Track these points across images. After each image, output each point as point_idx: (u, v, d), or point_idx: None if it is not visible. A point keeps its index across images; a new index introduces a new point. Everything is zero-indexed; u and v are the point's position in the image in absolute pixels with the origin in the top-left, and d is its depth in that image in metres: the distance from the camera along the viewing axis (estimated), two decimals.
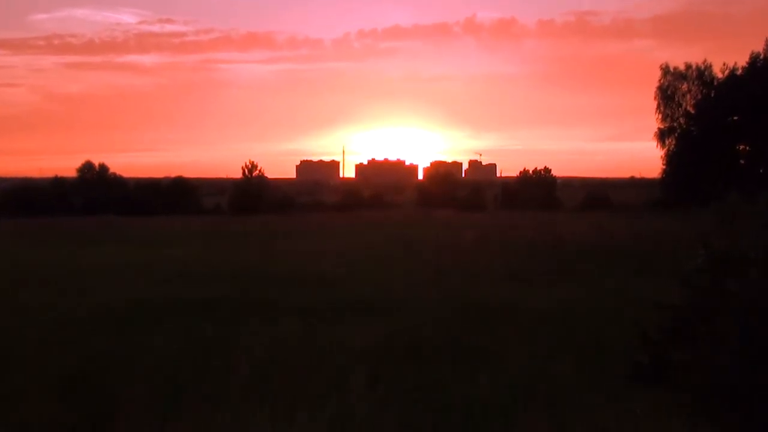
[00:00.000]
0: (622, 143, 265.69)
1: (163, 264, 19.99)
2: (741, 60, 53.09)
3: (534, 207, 51.00)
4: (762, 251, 4.84)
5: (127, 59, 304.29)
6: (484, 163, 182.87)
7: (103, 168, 69.35)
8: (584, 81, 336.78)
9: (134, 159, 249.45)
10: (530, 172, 66.39)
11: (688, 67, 54.93)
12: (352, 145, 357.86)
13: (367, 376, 7.38)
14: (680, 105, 55.15)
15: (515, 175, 71.03)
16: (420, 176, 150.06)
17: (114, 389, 7.15)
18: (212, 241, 29.02)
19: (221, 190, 74.54)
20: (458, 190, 68.86)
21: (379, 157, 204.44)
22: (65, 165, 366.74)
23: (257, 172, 63.52)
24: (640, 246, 22.26)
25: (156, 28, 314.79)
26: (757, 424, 4.69)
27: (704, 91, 54.01)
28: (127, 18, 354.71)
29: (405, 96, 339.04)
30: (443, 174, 77.71)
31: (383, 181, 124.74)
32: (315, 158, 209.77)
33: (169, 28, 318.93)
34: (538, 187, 62.42)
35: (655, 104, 55.75)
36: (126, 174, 74.13)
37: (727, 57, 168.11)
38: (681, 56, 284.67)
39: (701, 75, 54.39)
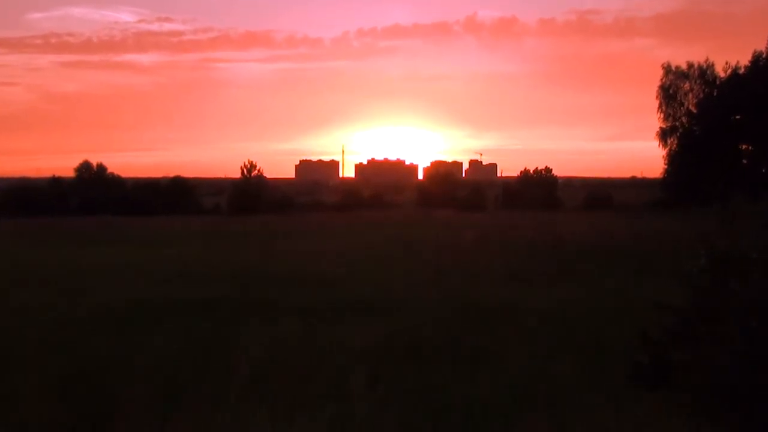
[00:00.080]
0: (623, 143, 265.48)
1: (162, 264, 19.99)
2: (743, 59, 53.20)
3: (535, 207, 50.91)
4: (763, 251, 4.84)
5: (125, 58, 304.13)
6: (484, 163, 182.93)
7: (101, 168, 69.39)
8: (586, 80, 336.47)
9: (132, 159, 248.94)
10: (531, 171, 66.38)
11: (690, 66, 54.82)
12: (352, 144, 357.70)
13: (367, 376, 7.37)
14: (682, 104, 55.02)
15: (516, 175, 71.16)
16: (420, 176, 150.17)
17: (114, 389, 7.15)
18: (212, 241, 29.03)
19: (220, 190, 74.47)
20: (458, 190, 68.85)
21: (379, 157, 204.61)
22: (63, 165, 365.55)
23: (256, 171, 63.47)
24: (641, 246, 22.26)
25: (154, 26, 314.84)
26: (758, 424, 4.69)
27: (706, 90, 53.86)
28: (126, 17, 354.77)
29: (405, 95, 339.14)
30: (443, 174, 77.76)
31: (383, 181, 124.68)
32: (314, 158, 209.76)
33: (167, 26, 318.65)
34: (539, 187, 62.36)
35: (656, 103, 55.69)
36: (124, 174, 74.26)
37: (729, 56, 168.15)
38: (683, 55, 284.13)
39: (703, 74, 54.26)
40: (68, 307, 12.78)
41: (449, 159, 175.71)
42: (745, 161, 51.01)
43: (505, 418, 6.19)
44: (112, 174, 69.91)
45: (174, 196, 59.78)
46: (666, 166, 54.58)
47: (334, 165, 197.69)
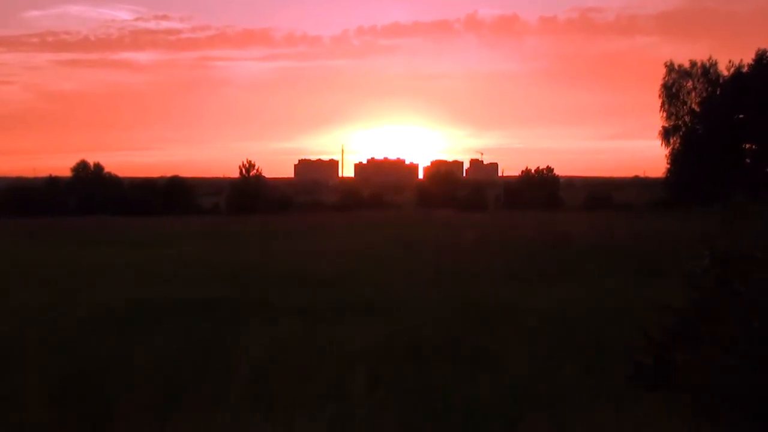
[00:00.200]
0: (625, 142, 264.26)
1: (162, 264, 20.00)
2: (747, 57, 52.98)
3: (536, 207, 50.83)
4: (766, 251, 4.83)
5: (122, 56, 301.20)
6: (485, 163, 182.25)
7: (98, 167, 69.39)
8: (587, 78, 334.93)
9: (130, 158, 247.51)
10: (532, 171, 66.35)
11: (693, 64, 54.70)
12: (352, 144, 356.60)
13: (367, 377, 7.37)
14: (685, 103, 54.89)
15: (517, 175, 71.08)
16: (420, 176, 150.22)
17: (114, 389, 7.15)
18: (211, 241, 29.04)
19: (218, 190, 74.28)
20: (459, 190, 68.86)
21: (379, 157, 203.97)
22: (60, 164, 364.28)
23: (255, 171, 63.12)
24: (641, 246, 22.26)
25: (152, 24, 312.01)
26: (761, 426, 4.68)
27: (709, 88, 53.74)
28: (123, 15, 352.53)
29: (405, 94, 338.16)
30: (444, 173, 77.72)
31: (383, 180, 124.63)
32: (313, 157, 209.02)
33: (164, 24, 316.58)
34: (540, 187, 62.31)
35: (659, 102, 55.59)
36: (121, 173, 74.18)
37: (732, 54, 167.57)
38: (686, 53, 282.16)
39: (706, 72, 54.13)
40: (68, 307, 12.78)
41: (450, 158, 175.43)
42: (748, 160, 50.88)
43: (505, 418, 6.18)
44: (109, 173, 70.00)
45: (172, 196, 59.69)
46: (669, 166, 54.51)
47: (333, 164, 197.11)
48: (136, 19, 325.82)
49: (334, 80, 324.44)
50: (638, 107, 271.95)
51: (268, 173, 69.99)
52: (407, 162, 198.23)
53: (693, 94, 54.73)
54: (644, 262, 17.91)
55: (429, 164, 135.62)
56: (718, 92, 52.62)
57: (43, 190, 62.14)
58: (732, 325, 4.75)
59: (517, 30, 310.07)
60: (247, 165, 62.79)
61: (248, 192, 59.48)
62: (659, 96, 55.51)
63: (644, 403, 5.96)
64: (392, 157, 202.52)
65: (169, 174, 68.05)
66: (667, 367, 5.02)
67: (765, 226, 5.96)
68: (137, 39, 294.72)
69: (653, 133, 63.60)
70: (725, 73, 53.23)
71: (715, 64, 54.03)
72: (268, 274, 16.93)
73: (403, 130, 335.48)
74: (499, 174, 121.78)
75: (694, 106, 54.40)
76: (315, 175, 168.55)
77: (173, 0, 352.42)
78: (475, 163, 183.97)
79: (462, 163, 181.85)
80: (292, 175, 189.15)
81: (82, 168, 68.93)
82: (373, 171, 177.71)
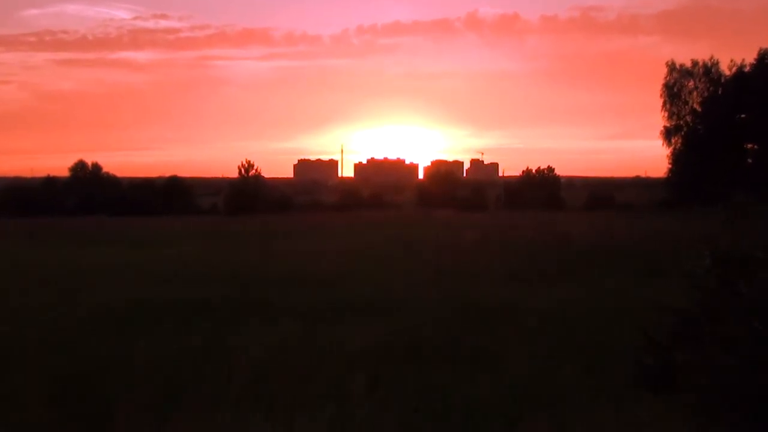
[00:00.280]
0: (627, 142, 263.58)
1: (162, 264, 20.00)
2: (749, 56, 52.78)
3: (537, 207, 50.77)
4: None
5: (120, 56, 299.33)
6: (485, 163, 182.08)
7: (96, 167, 69.28)
8: (588, 78, 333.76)
9: (128, 158, 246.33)
10: (533, 171, 66.25)
11: (695, 63, 54.45)
12: (351, 143, 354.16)
13: (367, 377, 7.37)
14: (687, 103, 54.69)
15: (518, 175, 70.91)
16: (420, 176, 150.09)
17: (114, 389, 7.15)
18: (211, 241, 29.04)
19: (217, 190, 74.00)
20: (459, 190, 68.79)
21: (379, 156, 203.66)
22: (57, 164, 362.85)
23: (254, 171, 62.88)
24: (641, 246, 22.26)
25: (150, 24, 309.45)
26: (761, 426, 4.68)
27: (711, 88, 53.52)
28: (121, 14, 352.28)
29: (405, 93, 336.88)
30: (444, 173, 77.57)
31: (383, 180, 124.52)
32: (313, 157, 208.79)
33: (163, 24, 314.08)
34: (541, 187, 62.21)
35: (661, 102, 55.36)
36: (119, 173, 74.08)
37: (734, 53, 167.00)
38: (688, 52, 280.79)
39: (708, 72, 53.91)
40: (68, 307, 12.78)
41: (450, 158, 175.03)
42: (750, 160, 50.73)
43: (505, 419, 6.18)
44: (107, 173, 69.89)
45: (170, 197, 59.60)
46: (670, 166, 54.30)
47: (333, 164, 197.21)
48: (135, 18, 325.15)
49: (333, 80, 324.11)
50: (639, 107, 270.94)
51: (267, 173, 69.99)
52: (407, 162, 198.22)
53: (695, 93, 54.55)
54: (644, 262, 17.91)
55: (429, 164, 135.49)
56: (719, 92, 52.42)
57: (40, 190, 62.03)
58: (734, 325, 4.74)
59: (518, 29, 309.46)
60: (246, 165, 62.66)
61: (247, 192, 59.30)
62: (661, 96, 55.37)
63: (644, 403, 5.96)
64: (392, 157, 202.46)
65: (168, 174, 68.17)
66: (669, 369, 5.01)
67: (766, 226, 5.95)
68: (136, 38, 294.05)
69: (654, 133, 63.63)
70: (727, 72, 53.06)
71: (717, 63, 53.87)
72: (268, 274, 16.93)
73: (403, 129, 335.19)
74: (500, 174, 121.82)
75: (695, 105, 54.21)
76: (314, 175, 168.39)
77: None
78: (475, 163, 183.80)
79: (462, 163, 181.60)
80: (292, 175, 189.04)
81: (80, 168, 68.86)
82: (372, 171, 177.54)
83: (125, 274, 17.66)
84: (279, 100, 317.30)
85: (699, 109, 53.57)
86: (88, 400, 6.88)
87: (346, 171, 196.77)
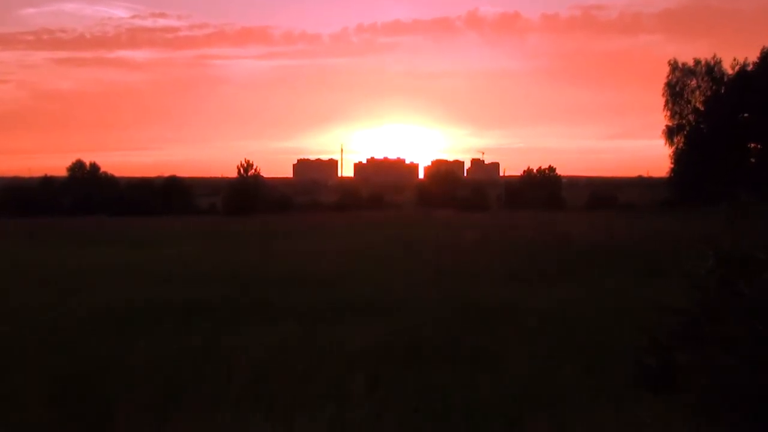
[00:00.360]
0: (629, 141, 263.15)
1: (162, 264, 20.00)
2: (752, 55, 52.60)
3: (538, 207, 50.64)
4: None
5: (118, 55, 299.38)
6: (486, 162, 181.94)
7: (94, 167, 69.15)
8: (590, 77, 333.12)
9: (127, 158, 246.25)
10: (534, 171, 66.14)
11: (697, 62, 54.09)
12: (351, 143, 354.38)
13: (367, 377, 7.37)
14: (689, 102, 54.40)
15: (519, 174, 70.72)
16: (421, 175, 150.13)
17: (113, 389, 7.15)
18: (210, 241, 29.04)
19: (216, 190, 73.78)
20: (460, 190, 68.72)
21: (379, 156, 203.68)
22: (55, 164, 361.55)
23: (253, 171, 62.39)
24: (642, 246, 22.26)
25: (149, 22, 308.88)
26: (761, 426, 4.68)
27: (714, 87, 53.18)
28: (119, 12, 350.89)
29: (405, 93, 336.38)
30: (444, 173, 77.49)
31: (383, 180, 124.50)
32: (312, 157, 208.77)
33: (162, 22, 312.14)
34: (542, 187, 62.09)
35: (663, 101, 55.08)
36: (118, 173, 73.94)
37: (737, 52, 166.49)
38: (690, 51, 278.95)
39: (711, 71, 53.59)
40: (68, 307, 12.78)
41: (450, 158, 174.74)
42: (753, 160, 50.53)
43: (505, 419, 6.18)
44: (105, 173, 69.74)
45: (169, 197, 59.49)
46: (672, 165, 54.03)
47: (332, 164, 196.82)
48: (133, 17, 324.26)
49: (333, 79, 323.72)
50: (641, 106, 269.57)
51: (266, 173, 69.55)
52: (407, 161, 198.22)
53: (697, 92, 54.22)
54: (644, 262, 17.91)
55: (429, 164, 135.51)
56: (722, 91, 52.13)
57: (38, 190, 61.90)
58: (735, 326, 4.74)
59: (519, 28, 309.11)
60: (245, 165, 62.31)
61: (246, 192, 59.05)
62: (663, 95, 55.06)
63: (644, 403, 5.95)
64: (392, 156, 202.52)
65: (167, 174, 68.08)
66: (670, 369, 5.01)
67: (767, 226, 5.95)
68: (134, 37, 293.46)
69: (656, 133, 63.37)
70: (730, 71, 52.74)
71: (720, 62, 53.51)
72: (267, 275, 16.93)
73: (403, 129, 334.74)
74: (501, 174, 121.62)
75: (698, 105, 53.90)
76: (314, 174, 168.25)
77: None
78: (476, 162, 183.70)
79: (463, 162, 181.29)
80: (291, 175, 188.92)
81: (77, 168, 68.72)
82: (372, 171, 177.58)
83: (125, 274, 17.66)
84: (278, 99, 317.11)
85: (701, 108, 53.28)
86: (88, 400, 6.88)
87: (346, 171, 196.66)
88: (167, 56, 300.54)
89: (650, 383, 5.22)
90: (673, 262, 13.20)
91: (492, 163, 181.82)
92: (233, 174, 63.53)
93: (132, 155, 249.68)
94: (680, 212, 39.87)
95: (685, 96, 54.45)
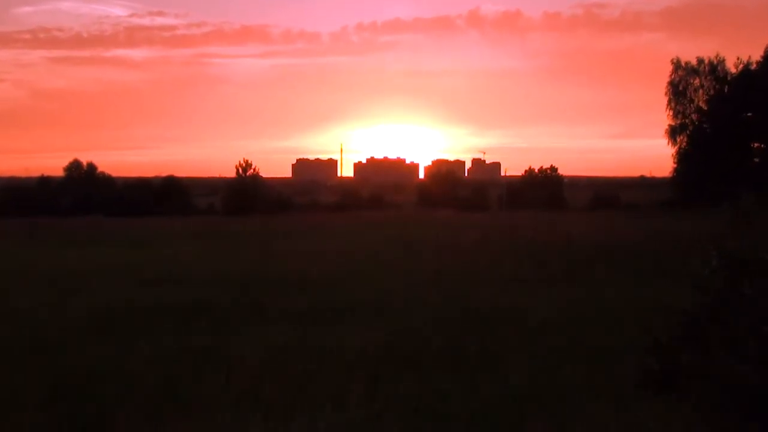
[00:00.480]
0: (631, 141, 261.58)
1: (161, 265, 19.99)
2: (755, 53, 52.13)
3: (539, 207, 50.45)
4: None
5: (116, 53, 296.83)
6: (487, 162, 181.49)
7: (91, 167, 68.90)
8: (592, 76, 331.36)
9: (124, 157, 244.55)
10: (536, 171, 65.90)
11: (701, 61, 53.49)
12: (351, 143, 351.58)
13: (367, 378, 7.36)
14: (692, 101, 53.88)
15: (520, 174, 70.40)
16: (421, 175, 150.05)
17: (113, 390, 7.14)
18: (210, 241, 29.03)
19: (214, 190, 73.45)
20: (460, 190, 68.58)
21: (379, 156, 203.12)
22: (52, 164, 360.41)
23: (251, 171, 61.93)
24: (643, 246, 22.24)
25: (146, 21, 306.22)
26: (762, 426, 4.67)
27: (717, 86, 52.64)
28: (117, 11, 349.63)
29: (405, 92, 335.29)
30: (445, 173, 77.19)
31: (383, 180, 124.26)
32: (312, 157, 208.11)
33: (159, 21, 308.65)
34: (543, 187, 61.87)
35: (665, 100, 54.57)
36: (115, 173, 73.39)
37: (740, 50, 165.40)
38: (693, 50, 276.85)
39: (714, 70, 53.09)
40: (67, 307, 12.77)
41: (451, 158, 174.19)
42: (756, 160, 50.29)
43: (506, 419, 6.17)
44: (102, 173, 69.50)
45: (167, 197, 59.26)
46: (675, 165, 53.59)
47: (332, 164, 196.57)
48: (131, 15, 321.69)
49: (332, 78, 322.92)
50: (644, 105, 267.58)
51: (265, 173, 68.95)
52: (407, 161, 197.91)
53: (700, 91, 53.62)
54: (645, 263, 17.90)
55: (430, 164, 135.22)
56: (725, 90, 51.74)
57: (35, 190, 61.73)
58: (739, 326, 4.73)
59: (521, 26, 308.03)
60: (244, 164, 61.80)
61: (245, 192, 58.67)
62: (665, 94, 54.43)
63: (644, 403, 5.95)
64: (392, 156, 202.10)
65: (164, 174, 67.79)
66: (674, 372, 5.00)
67: None
68: (131, 35, 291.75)
69: (659, 132, 62.98)
70: (733, 70, 52.23)
71: (723, 61, 52.95)
72: (267, 275, 16.92)
73: (403, 128, 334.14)
74: (502, 173, 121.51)
75: (701, 104, 53.36)
76: (313, 174, 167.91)
77: None
78: (477, 162, 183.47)
79: (464, 162, 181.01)
80: (290, 175, 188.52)
81: (74, 168, 68.47)
82: (372, 170, 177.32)
83: (125, 274, 17.65)
84: (277, 98, 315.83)
85: (704, 107, 52.86)
86: (87, 400, 6.87)
87: (346, 170, 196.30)
88: (165, 55, 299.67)
89: (651, 383, 5.22)
90: (676, 262, 13.20)
91: (493, 162, 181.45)
92: (231, 174, 63.27)
93: (130, 154, 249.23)
94: (685, 213, 39.74)
95: (688, 95, 54.03)
